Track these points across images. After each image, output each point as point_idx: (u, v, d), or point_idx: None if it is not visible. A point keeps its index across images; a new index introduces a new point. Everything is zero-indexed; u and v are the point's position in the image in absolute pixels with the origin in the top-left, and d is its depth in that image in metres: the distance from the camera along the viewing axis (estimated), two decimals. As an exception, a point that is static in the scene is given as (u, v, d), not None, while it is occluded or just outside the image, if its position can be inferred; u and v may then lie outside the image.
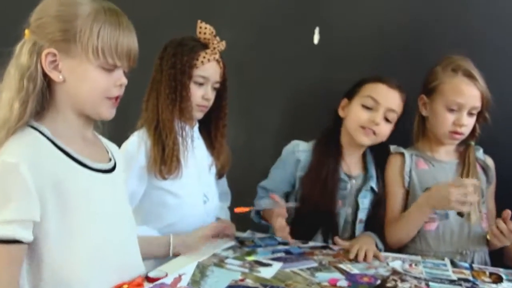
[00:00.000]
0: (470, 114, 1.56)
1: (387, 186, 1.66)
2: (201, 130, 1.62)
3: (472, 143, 1.62)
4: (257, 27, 1.96)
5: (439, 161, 1.64)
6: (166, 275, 1.23)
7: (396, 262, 1.46)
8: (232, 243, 1.55)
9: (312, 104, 1.92)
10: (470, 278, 1.36)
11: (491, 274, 1.40)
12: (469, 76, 1.53)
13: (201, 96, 1.52)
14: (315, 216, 1.59)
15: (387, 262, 1.45)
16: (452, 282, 1.32)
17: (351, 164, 1.68)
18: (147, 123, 1.50)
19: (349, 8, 1.86)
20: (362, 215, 1.65)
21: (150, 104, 1.52)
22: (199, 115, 1.56)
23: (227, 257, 1.42)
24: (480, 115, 1.58)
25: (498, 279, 1.35)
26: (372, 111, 1.58)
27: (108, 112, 1.08)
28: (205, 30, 1.51)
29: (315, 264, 1.41)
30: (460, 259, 1.53)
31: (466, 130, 1.57)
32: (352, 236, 1.64)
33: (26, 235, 0.95)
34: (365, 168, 1.69)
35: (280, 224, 1.48)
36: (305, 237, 1.61)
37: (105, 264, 1.07)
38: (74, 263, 1.01)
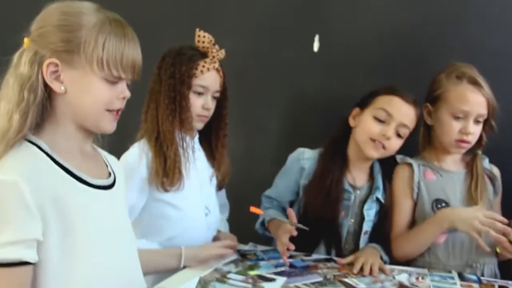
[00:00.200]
0: (476, 122, 1.53)
1: (394, 197, 1.62)
2: (201, 140, 1.59)
3: (479, 152, 1.59)
4: (256, 35, 1.95)
5: (447, 171, 1.60)
6: (167, 291, 1.19)
7: (403, 275, 1.43)
8: (234, 256, 1.52)
9: (312, 111, 1.90)
10: (479, 291, 1.33)
11: (500, 287, 1.37)
12: (474, 83, 1.50)
13: (201, 106, 1.49)
14: (318, 225, 1.54)
15: (393, 276, 1.42)
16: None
17: (357, 175, 1.64)
18: (147, 134, 1.47)
19: (349, 14, 1.85)
20: (367, 226, 1.61)
21: (149, 115, 1.49)
22: (199, 125, 1.53)
23: (229, 272, 1.39)
24: (486, 123, 1.55)
25: (507, 292, 1.32)
26: (384, 125, 1.54)
27: (109, 125, 1.05)
28: (203, 38, 1.49)
29: (320, 279, 1.37)
30: (470, 272, 1.50)
31: (472, 139, 1.54)
32: (356, 248, 1.60)
33: (32, 255, 0.91)
34: (372, 178, 1.65)
35: (285, 241, 1.43)
36: (308, 247, 1.58)
37: (105, 283, 1.03)
38: (75, 283, 0.98)
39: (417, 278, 1.40)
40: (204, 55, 1.49)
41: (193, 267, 1.40)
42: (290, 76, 1.92)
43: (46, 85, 0.98)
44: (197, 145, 1.57)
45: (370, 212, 1.61)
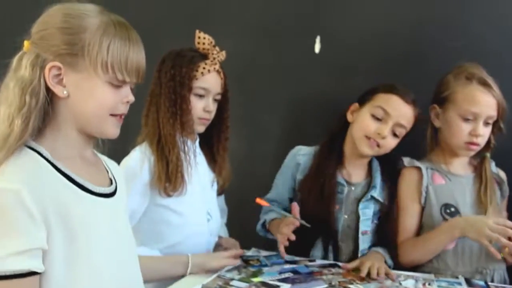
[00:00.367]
0: (486, 123, 1.49)
1: (400, 202, 1.59)
2: (201, 144, 1.56)
3: (488, 155, 1.56)
4: (257, 36, 1.93)
5: (455, 175, 1.57)
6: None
7: (409, 281, 1.40)
8: (237, 262, 1.48)
9: (313, 113, 1.89)
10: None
11: (509, 293, 1.34)
12: (484, 84, 1.47)
13: (202, 108, 1.47)
14: (313, 220, 1.51)
15: (400, 282, 1.40)
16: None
17: (353, 171, 1.62)
18: (149, 138, 1.45)
19: (350, 16, 1.83)
20: (364, 226, 1.58)
21: (150, 119, 1.46)
22: (200, 128, 1.50)
23: (232, 279, 1.36)
24: (494, 125, 1.51)
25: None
26: (381, 123, 1.52)
27: (113, 130, 1.02)
28: (204, 40, 1.46)
29: (325, 285, 1.35)
30: (480, 278, 1.46)
31: (482, 141, 1.50)
32: (355, 248, 1.58)
33: (38, 264, 0.89)
34: (370, 177, 1.63)
35: (288, 232, 1.43)
36: (305, 244, 1.57)
37: None
38: None
39: (423, 284, 1.38)
40: (204, 56, 1.46)
41: (199, 274, 1.38)
42: (291, 78, 1.90)
43: (48, 89, 0.95)
44: (198, 149, 1.54)
45: (367, 211, 1.58)
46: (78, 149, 1.02)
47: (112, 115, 1.00)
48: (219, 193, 1.63)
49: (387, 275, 1.41)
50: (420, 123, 1.57)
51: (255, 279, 1.36)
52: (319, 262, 1.54)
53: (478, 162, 1.58)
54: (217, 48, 1.48)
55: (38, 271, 0.89)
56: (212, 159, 1.57)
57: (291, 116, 1.94)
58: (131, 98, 1.02)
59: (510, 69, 1.64)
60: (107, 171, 1.10)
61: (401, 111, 1.52)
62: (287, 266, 1.48)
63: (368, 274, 1.41)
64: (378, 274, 1.40)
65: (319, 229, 1.55)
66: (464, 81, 1.49)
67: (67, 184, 0.96)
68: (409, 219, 1.56)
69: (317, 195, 1.56)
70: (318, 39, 1.84)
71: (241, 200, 1.70)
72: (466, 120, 1.49)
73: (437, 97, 1.55)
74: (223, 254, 1.45)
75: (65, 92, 0.95)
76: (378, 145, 1.53)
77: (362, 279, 1.40)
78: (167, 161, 1.41)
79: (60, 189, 0.94)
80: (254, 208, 1.66)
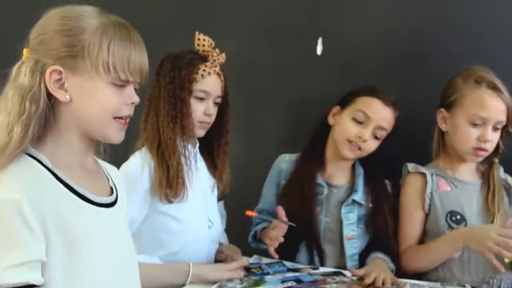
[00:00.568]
0: (494, 128, 1.46)
1: (404, 208, 1.56)
2: (201, 149, 1.52)
3: (496, 160, 1.52)
4: (258, 38, 1.90)
5: (461, 182, 1.53)
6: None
7: (415, 290, 1.37)
8: (240, 275, 1.43)
9: (315, 115, 1.82)
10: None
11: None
12: (494, 88, 1.43)
13: (203, 111, 1.43)
14: (295, 222, 1.49)
15: (405, 291, 1.37)
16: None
17: (334, 174, 1.63)
18: (148, 143, 1.41)
19: (350, 16, 1.81)
20: (349, 231, 1.57)
21: (149, 123, 1.42)
22: (201, 132, 1.46)
23: (233, 289, 1.33)
24: (503, 129, 1.47)
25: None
26: (362, 126, 1.54)
27: (117, 134, 0.99)
28: (203, 42, 1.42)
29: (328, 295, 1.31)
30: (487, 287, 1.44)
31: (490, 146, 1.47)
32: (341, 253, 1.56)
33: (37, 277, 0.87)
34: (353, 180, 1.62)
35: (275, 234, 1.44)
36: (290, 248, 1.55)
37: None
38: None
39: (430, 293, 1.35)
40: (204, 59, 1.43)
41: (198, 283, 1.35)
42: (291, 78, 1.89)
43: (49, 95, 0.93)
44: (198, 154, 1.49)
45: (351, 216, 1.58)
46: (79, 156, 0.99)
47: (116, 118, 0.97)
48: (219, 199, 1.59)
49: (394, 283, 1.38)
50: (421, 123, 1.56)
51: (258, 289, 1.33)
52: (322, 270, 1.51)
53: (486, 168, 1.54)
54: (217, 50, 1.45)
55: (37, 283, 0.87)
56: (212, 164, 1.53)
57: (292, 117, 1.92)
58: (136, 99, 1.00)
59: (510, 69, 1.61)
60: (108, 179, 1.07)
61: (381, 114, 1.53)
62: (290, 275, 1.44)
63: (373, 283, 1.38)
64: (383, 284, 1.37)
65: (301, 231, 1.54)
66: (473, 85, 1.45)
67: (67, 193, 0.94)
68: (412, 226, 1.54)
69: (298, 197, 1.57)
70: (320, 41, 1.83)
71: (241, 204, 1.63)
72: (474, 125, 1.45)
73: (445, 100, 1.51)
74: (226, 266, 1.40)
75: (67, 96, 0.93)
76: (359, 148, 1.54)
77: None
78: (167, 166, 1.38)
79: (60, 199, 0.92)
80: (253, 209, 1.64)
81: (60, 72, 0.92)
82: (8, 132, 0.91)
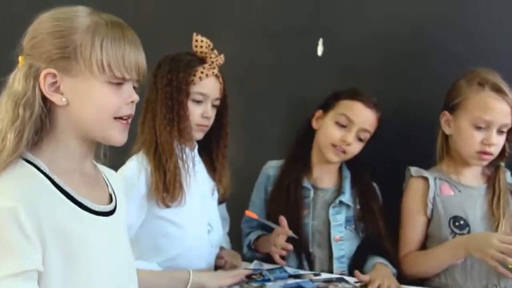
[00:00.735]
0: (499, 132, 1.43)
1: (405, 212, 1.54)
2: (200, 152, 1.50)
3: (502, 164, 1.49)
4: (258, 39, 1.89)
5: (466, 186, 1.50)
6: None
7: (418, 296, 1.35)
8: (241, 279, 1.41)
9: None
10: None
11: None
12: (498, 90, 1.40)
13: (201, 114, 1.41)
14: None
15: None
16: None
17: (320, 177, 1.63)
18: (145, 146, 1.38)
19: (350, 17, 1.80)
20: (336, 232, 1.55)
21: (146, 126, 1.40)
22: (199, 135, 1.44)
23: (233, 296, 1.30)
24: (509, 133, 1.44)
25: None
26: (345, 130, 1.54)
27: (119, 136, 0.96)
28: (201, 43, 1.40)
29: (331, 302, 1.29)
30: (490, 295, 1.41)
31: (495, 150, 1.44)
32: (330, 255, 1.54)
33: (33, 286, 0.86)
34: (341, 184, 1.62)
35: (282, 242, 1.45)
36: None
37: None
38: None
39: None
40: (202, 60, 1.40)
41: None
42: (291, 79, 1.87)
43: (44, 100, 0.91)
44: (197, 157, 1.47)
45: (338, 217, 1.57)
46: (77, 161, 0.97)
47: (116, 118, 0.95)
48: (220, 202, 1.56)
49: None
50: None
51: (258, 296, 1.31)
52: (324, 276, 1.48)
53: (492, 172, 1.51)
54: (215, 51, 1.42)
55: None
56: (211, 167, 1.51)
57: (292, 117, 1.90)
58: (135, 97, 0.97)
59: (510, 69, 1.58)
60: (107, 185, 1.05)
61: (364, 117, 1.53)
62: (291, 281, 1.42)
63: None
64: None
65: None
66: (477, 87, 1.42)
67: (65, 201, 0.92)
68: (414, 231, 1.52)
69: (285, 202, 1.57)
70: (320, 42, 1.81)
71: (241, 207, 1.65)
72: (478, 128, 1.43)
73: (448, 103, 1.49)
74: (227, 274, 1.38)
75: (63, 99, 0.91)
76: (344, 152, 1.55)
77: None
78: (164, 170, 1.35)
79: (57, 206, 0.90)
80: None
81: (54, 75, 0.90)
82: (1, 139, 0.89)
